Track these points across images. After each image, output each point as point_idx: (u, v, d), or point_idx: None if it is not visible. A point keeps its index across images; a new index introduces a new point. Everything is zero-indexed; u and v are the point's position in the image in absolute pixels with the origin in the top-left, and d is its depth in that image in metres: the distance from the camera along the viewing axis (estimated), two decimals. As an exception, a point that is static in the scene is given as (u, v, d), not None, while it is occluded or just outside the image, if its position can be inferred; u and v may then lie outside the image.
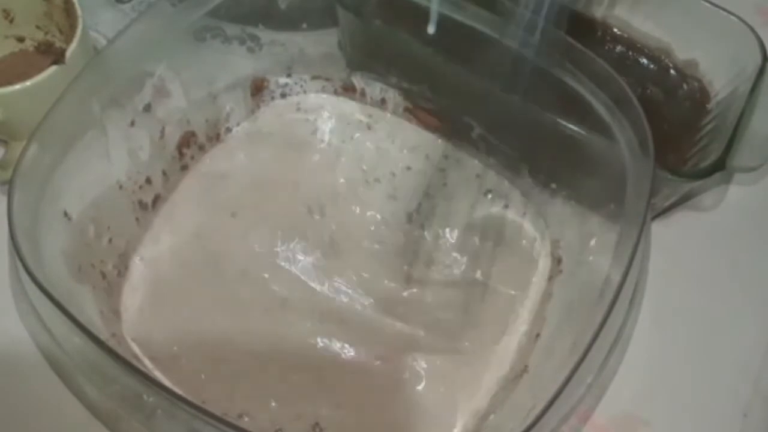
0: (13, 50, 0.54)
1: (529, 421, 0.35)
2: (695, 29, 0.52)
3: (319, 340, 0.46)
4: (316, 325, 0.47)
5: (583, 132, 0.45)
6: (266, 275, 0.48)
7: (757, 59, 0.48)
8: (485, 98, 0.49)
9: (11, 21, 0.52)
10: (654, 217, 0.50)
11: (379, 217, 0.51)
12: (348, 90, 0.55)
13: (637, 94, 0.43)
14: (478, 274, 0.49)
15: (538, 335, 0.46)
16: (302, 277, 0.48)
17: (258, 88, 0.54)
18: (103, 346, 0.36)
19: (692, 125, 0.51)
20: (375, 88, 0.54)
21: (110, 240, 0.46)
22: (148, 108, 0.48)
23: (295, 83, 0.55)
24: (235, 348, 0.46)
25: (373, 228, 0.51)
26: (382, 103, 0.55)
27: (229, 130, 0.53)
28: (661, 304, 0.48)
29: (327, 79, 0.55)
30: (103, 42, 0.53)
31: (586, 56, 0.45)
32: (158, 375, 0.44)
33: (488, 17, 0.47)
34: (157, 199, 0.50)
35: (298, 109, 0.55)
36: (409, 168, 0.53)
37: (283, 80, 0.54)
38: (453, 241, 0.50)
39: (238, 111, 0.54)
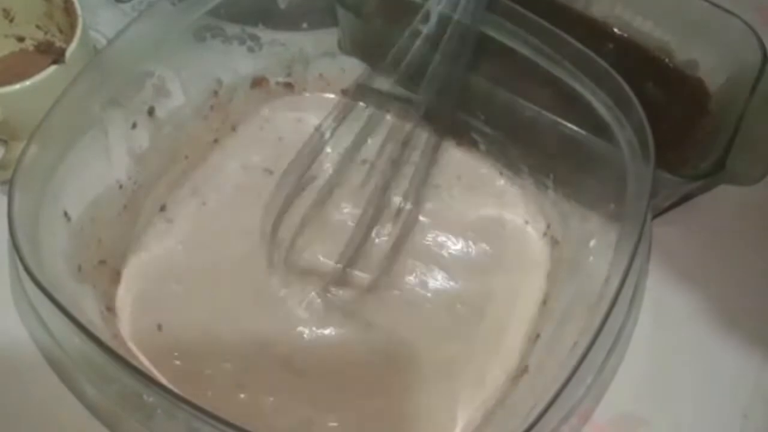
0: (13, 50, 0.54)
1: (529, 421, 0.35)
2: (695, 29, 0.52)
3: (319, 338, 0.46)
4: (316, 323, 0.47)
5: (583, 132, 0.45)
6: (267, 274, 0.48)
7: (757, 59, 0.48)
8: (485, 98, 0.49)
9: (11, 20, 0.52)
10: (654, 218, 0.50)
11: (379, 216, 0.51)
12: (347, 90, 0.55)
13: (637, 94, 0.43)
14: (478, 275, 0.49)
15: (538, 335, 0.46)
16: (303, 275, 0.48)
17: (258, 88, 0.54)
18: (103, 346, 0.36)
19: (692, 125, 0.51)
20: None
21: (110, 240, 0.46)
22: (151, 111, 0.48)
23: (296, 83, 0.55)
24: (236, 347, 0.46)
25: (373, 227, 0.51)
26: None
27: (229, 130, 0.53)
28: (661, 304, 0.48)
29: (327, 79, 0.55)
30: (103, 42, 0.53)
31: (586, 56, 0.45)
32: (158, 375, 0.44)
33: (488, 17, 0.47)
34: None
35: (299, 109, 0.55)
36: (407, 168, 0.53)
37: (283, 80, 0.54)
38: (453, 242, 0.50)
39: (238, 111, 0.53)
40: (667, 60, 0.54)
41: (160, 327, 0.46)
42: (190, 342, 0.46)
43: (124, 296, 0.47)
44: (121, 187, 0.47)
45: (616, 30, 0.55)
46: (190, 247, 0.49)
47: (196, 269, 0.48)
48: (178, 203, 0.50)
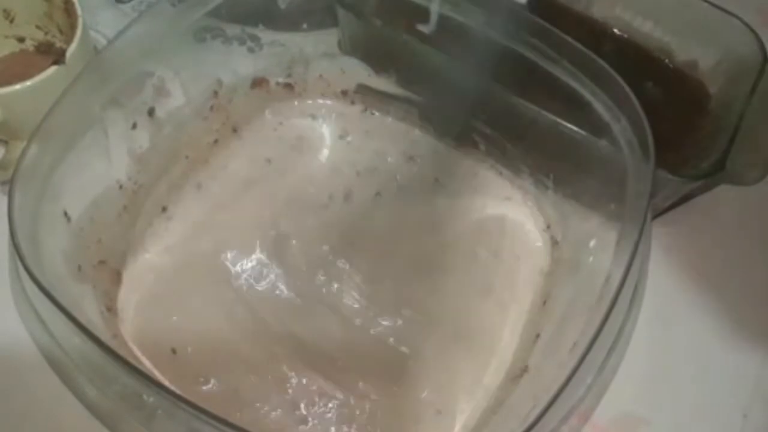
0: (14, 50, 0.54)
1: (529, 421, 0.35)
2: (695, 29, 0.52)
3: (319, 338, 0.46)
4: (316, 323, 0.47)
5: (583, 132, 0.45)
6: (266, 274, 0.48)
7: (757, 59, 0.48)
8: (485, 98, 0.49)
9: (11, 21, 0.52)
10: (654, 218, 0.50)
11: (378, 217, 0.51)
12: (347, 90, 0.55)
13: (637, 94, 0.43)
14: (478, 275, 0.49)
15: (538, 335, 0.46)
16: (302, 275, 0.48)
17: (258, 89, 0.54)
18: (103, 346, 0.36)
19: (692, 126, 0.51)
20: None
21: (110, 240, 0.46)
22: (152, 111, 0.48)
23: (296, 83, 0.55)
24: (236, 347, 0.46)
25: (373, 229, 0.51)
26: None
27: (229, 130, 0.53)
28: (661, 304, 0.48)
29: (327, 80, 0.55)
30: (104, 42, 0.53)
31: (586, 56, 0.45)
32: (158, 375, 0.44)
33: (488, 17, 0.47)
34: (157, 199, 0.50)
35: (299, 110, 0.55)
36: (407, 169, 0.53)
37: (283, 80, 0.54)
38: (452, 242, 0.50)
39: (238, 111, 0.53)
40: (667, 60, 0.54)
41: (160, 326, 0.46)
42: (192, 341, 0.46)
43: (125, 296, 0.47)
44: (121, 187, 0.47)
45: (616, 30, 0.55)
46: (192, 247, 0.49)
47: (198, 269, 0.48)
48: (178, 203, 0.50)
